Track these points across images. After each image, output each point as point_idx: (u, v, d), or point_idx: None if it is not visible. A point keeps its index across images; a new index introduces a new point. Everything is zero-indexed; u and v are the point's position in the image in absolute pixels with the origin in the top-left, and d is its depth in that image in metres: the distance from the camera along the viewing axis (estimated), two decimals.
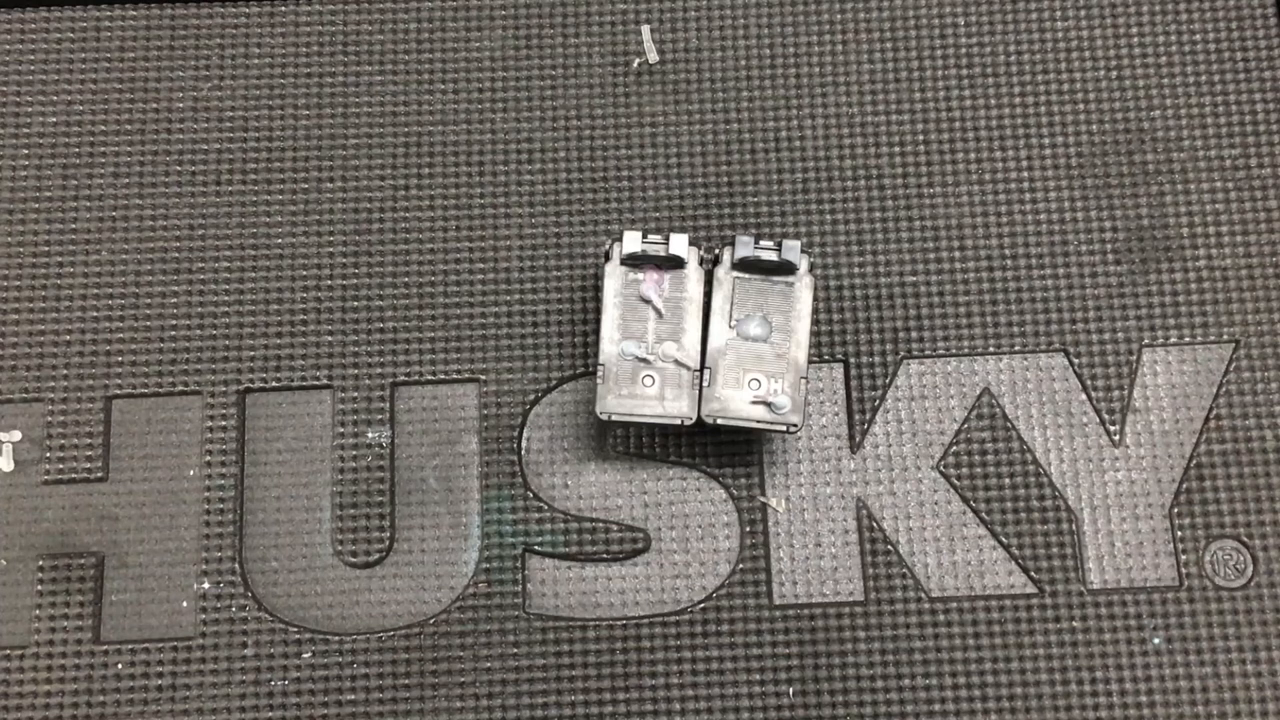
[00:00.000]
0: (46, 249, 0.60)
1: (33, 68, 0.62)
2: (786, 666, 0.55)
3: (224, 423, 0.58)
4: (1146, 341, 0.59)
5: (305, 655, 0.55)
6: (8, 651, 0.55)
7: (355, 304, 0.59)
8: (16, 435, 0.57)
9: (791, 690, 0.55)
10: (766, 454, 0.58)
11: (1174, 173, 0.60)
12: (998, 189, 0.61)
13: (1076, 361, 0.58)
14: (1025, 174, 0.61)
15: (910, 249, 0.60)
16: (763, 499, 0.57)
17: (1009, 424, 0.58)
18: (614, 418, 0.53)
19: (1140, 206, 0.60)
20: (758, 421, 0.53)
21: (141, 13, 0.62)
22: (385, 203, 0.60)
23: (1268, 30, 0.62)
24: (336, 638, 0.55)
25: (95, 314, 0.59)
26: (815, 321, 0.58)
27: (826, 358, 0.59)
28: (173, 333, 0.59)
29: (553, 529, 0.57)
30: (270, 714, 0.55)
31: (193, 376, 0.58)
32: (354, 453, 0.57)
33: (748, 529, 0.57)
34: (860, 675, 0.55)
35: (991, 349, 0.59)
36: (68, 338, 0.59)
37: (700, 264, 0.54)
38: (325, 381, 0.58)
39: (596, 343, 0.57)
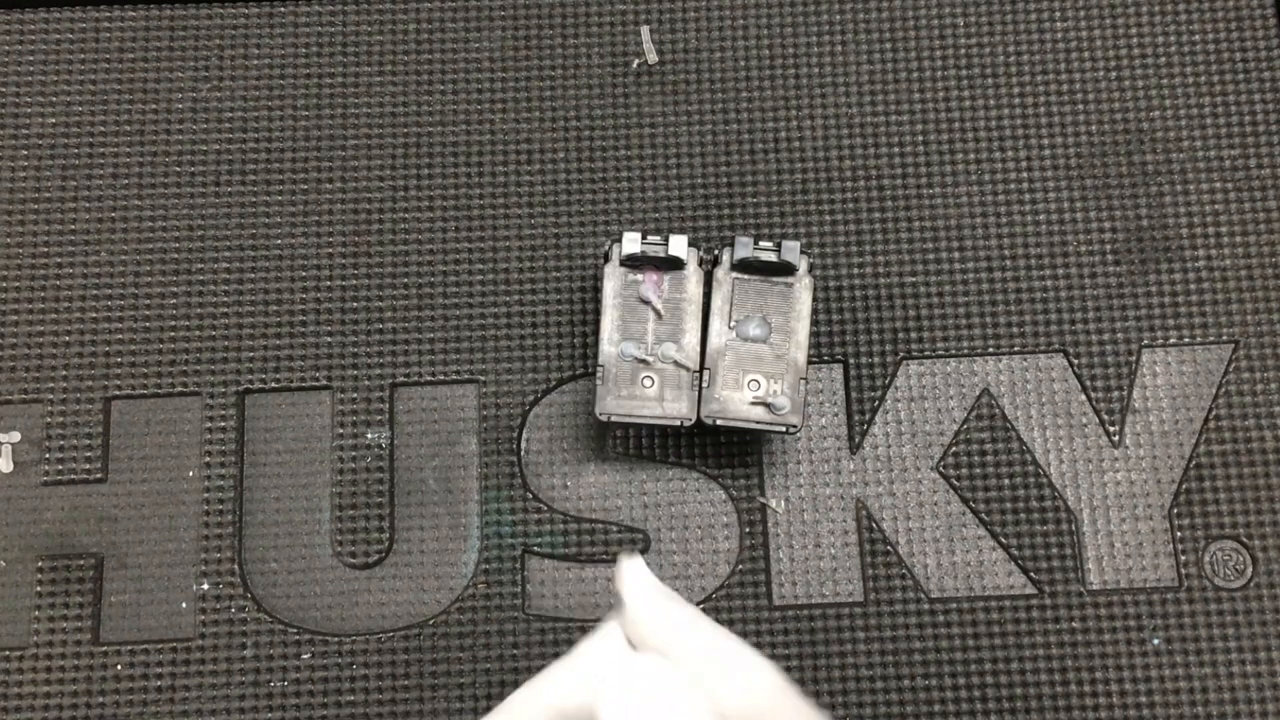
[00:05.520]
0: (46, 249, 0.60)
1: (33, 68, 0.62)
2: (786, 667, 0.55)
3: (223, 424, 0.58)
4: (1146, 342, 0.59)
5: (304, 656, 0.55)
6: (7, 652, 0.55)
7: (355, 304, 0.59)
8: (16, 436, 0.57)
9: None
10: (766, 455, 0.58)
11: (1173, 173, 0.60)
12: (998, 189, 0.60)
13: (1076, 362, 0.58)
14: (1025, 174, 0.61)
15: (910, 249, 0.60)
16: (762, 500, 0.57)
17: (1009, 424, 0.58)
18: (613, 419, 0.53)
19: (1140, 207, 0.60)
20: (757, 422, 0.53)
21: (141, 13, 0.62)
22: (385, 203, 0.60)
23: (1267, 30, 0.62)
24: (336, 639, 0.55)
25: (95, 314, 0.59)
26: (815, 322, 0.58)
27: (826, 358, 0.59)
28: (172, 333, 0.59)
29: (552, 530, 0.57)
30: (269, 715, 0.55)
31: (192, 377, 0.58)
32: (353, 453, 0.57)
33: (747, 530, 0.57)
34: (860, 675, 0.55)
35: (991, 349, 0.59)
36: (67, 338, 0.59)
37: (699, 265, 0.54)
38: (325, 382, 0.58)
39: (596, 344, 0.57)
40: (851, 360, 0.58)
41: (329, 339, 0.59)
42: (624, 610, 0.41)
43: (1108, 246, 0.60)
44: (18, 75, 0.62)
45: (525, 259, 0.60)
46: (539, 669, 0.55)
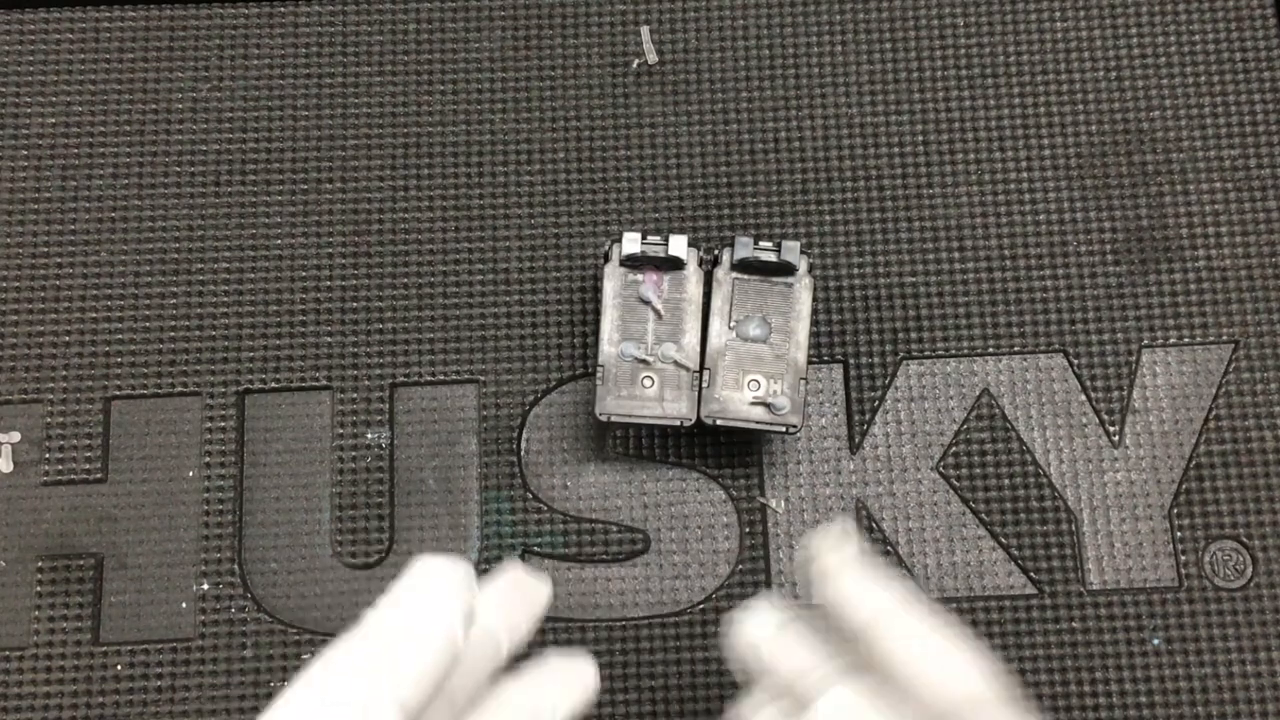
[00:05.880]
0: (46, 249, 0.60)
1: (33, 68, 0.62)
2: None
3: (223, 424, 0.58)
4: (1146, 342, 0.59)
5: (304, 656, 0.55)
6: (7, 652, 0.55)
7: (355, 304, 0.59)
8: (16, 436, 0.57)
9: None
10: (766, 455, 0.58)
11: (1173, 173, 0.60)
12: (998, 189, 0.60)
13: (1076, 362, 0.58)
14: (1025, 174, 0.61)
15: (910, 249, 0.60)
16: (762, 500, 0.57)
17: (1008, 425, 0.58)
18: (613, 419, 0.53)
19: (1140, 207, 0.60)
20: (757, 422, 0.53)
21: (141, 13, 0.62)
22: (385, 203, 0.60)
23: (1267, 30, 0.62)
24: (336, 639, 0.55)
25: (95, 314, 0.59)
26: (815, 322, 0.58)
27: (826, 358, 0.59)
28: (172, 333, 0.59)
29: (552, 530, 0.57)
30: None
31: (192, 377, 0.58)
32: (353, 454, 0.57)
33: (747, 530, 0.57)
34: None
35: (991, 349, 0.59)
36: (67, 338, 0.59)
37: (699, 265, 0.54)
38: (325, 382, 0.58)
39: (596, 344, 0.57)
40: (851, 360, 0.58)
41: (329, 339, 0.59)
42: (828, 591, 0.40)
43: (1108, 246, 0.60)
44: (18, 75, 0.62)
45: (525, 259, 0.60)
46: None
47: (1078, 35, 0.62)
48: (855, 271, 0.59)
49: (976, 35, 0.62)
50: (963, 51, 0.62)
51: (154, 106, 0.61)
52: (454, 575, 0.35)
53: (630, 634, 0.56)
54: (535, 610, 0.40)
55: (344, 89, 0.62)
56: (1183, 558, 0.56)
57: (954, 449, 0.58)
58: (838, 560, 0.41)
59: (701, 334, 0.53)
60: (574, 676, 0.39)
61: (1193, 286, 0.59)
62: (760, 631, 0.41)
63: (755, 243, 0.53)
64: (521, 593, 0.40)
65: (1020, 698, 0.38)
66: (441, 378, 0.58)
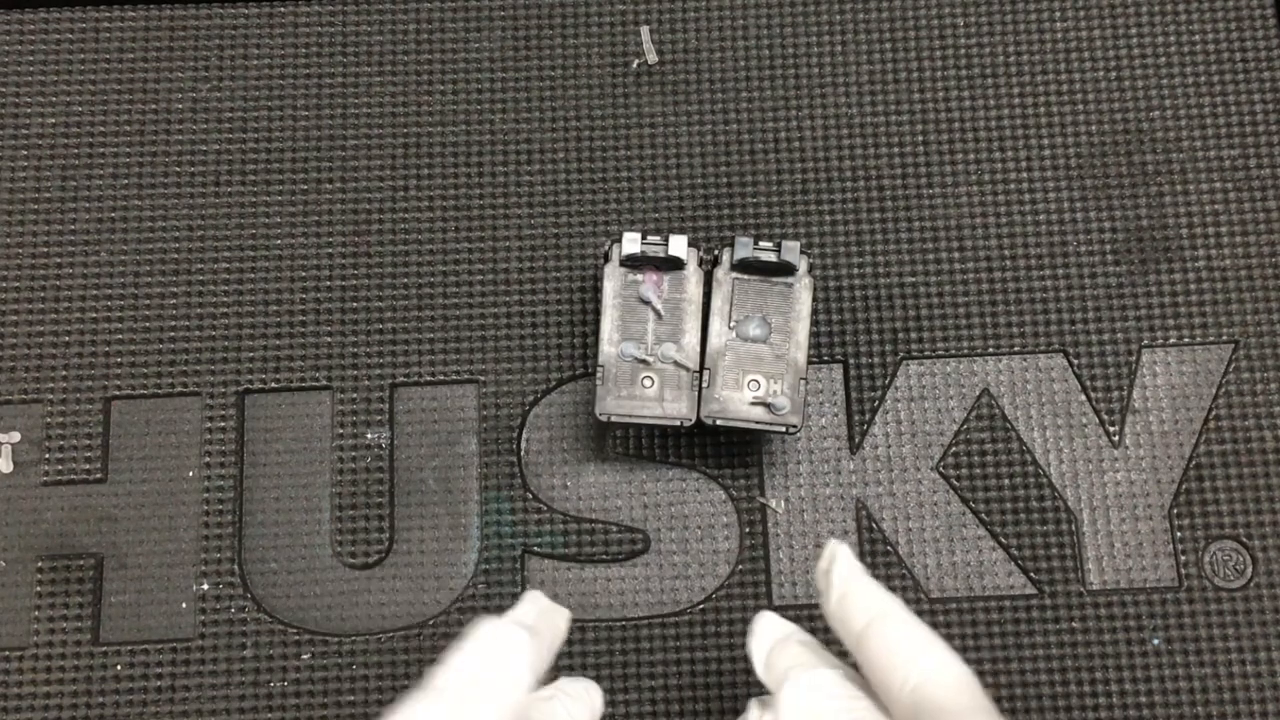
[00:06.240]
0: (46, 249, 0.60)
1: (33, 68, 0.62)
2: None
3: (223, 424, 0.58)
4: (1146, 342, 0.59)
5: (304, 656, 0.55)
6: (7, 652, 0.55)
7: (355, 304, 0.59)
8: (16, 436, 0.57)
9: None
10: (766, 455, 0.58)
11: (1173, 173, 0.60)
12: (997, 189, 0.60)
13: (1076, 362, 0.58)
14: (1025, 174, 0.61)
15: (910, 249, 0.60)
16: (762, 500, 0.57)
17: (1008, 425, 0.58)
18: (613, 419, 0.53)
19: (1140, 207, 0.60)
20: (757, 422, 0.53)
21: (141, 14, 0.62)
22: (385, 203, 0.60)
23: (1267, 31, 0.62)
24: (335, 639, 0.55)
25: (95, 314, 0.59)
26: (815, 322, 0.58)
27: (826, 358, 0.59)
28: (172, 333, 0.59)
29: (552, 530, 0.57)
30: (269, 715, 0.55)
31: (192, 378, 0.58)
32: (353, 454, 0.57)
33: (747, 530, 0.57)
34: None
35: (991, 349, 0.59)
36: (67, 338, 0.59)
37: (699, 265, 0.54)
38: (324, 382, 0.58)
39: (596, 344, 0.57)
40: (851, 360, 0.58)
41: (329, 339, 0.59)
42: (831, 594, 0.41)
43: (1108, 246, 0.60)
44: (18, 75, 0.62)
45: (525, 259, 0.60)
46: None
47: (1078, 35, 0.62)
48: (855, 271, 0.59)
49: (976, 35, 0.62)
50: (963, 51, 0.62)
51: (154, 106, 0.61)
52: (522, 642, 0.37)
53: (630, 634, 0.56)
54: (558, 641, 0.42)
55: (344, 89, 0.62)
56: (1183, 558, 0.56)
57: (954, 449, 0.58)
58: (845, 571, 0.42)
59: (701, 334, 0.53)
60: (585, 700, 0.42)
61: (1193, 286, 0.59)
62: (762, 643, 0.43)
63: (755, 243, 0.53)
64: (545, 624, 0.42)
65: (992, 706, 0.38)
66: (441, 378, 0.58)
